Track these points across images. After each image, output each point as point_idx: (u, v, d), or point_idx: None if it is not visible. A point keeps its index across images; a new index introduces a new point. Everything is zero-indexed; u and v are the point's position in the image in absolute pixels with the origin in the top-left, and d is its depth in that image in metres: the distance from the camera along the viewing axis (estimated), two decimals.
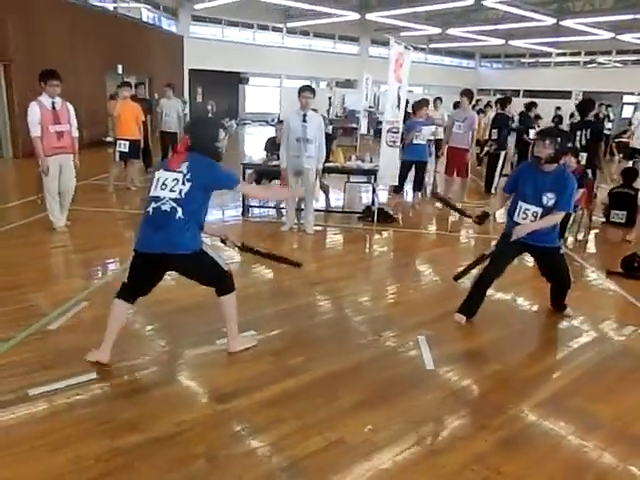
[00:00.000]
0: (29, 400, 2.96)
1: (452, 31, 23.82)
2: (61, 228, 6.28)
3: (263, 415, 2.94)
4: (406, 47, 7.30)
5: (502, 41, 25.25)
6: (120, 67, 15.75)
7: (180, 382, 3.27)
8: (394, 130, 7.24)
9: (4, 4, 11.21)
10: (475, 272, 4.44)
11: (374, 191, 7.39)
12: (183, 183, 3.13)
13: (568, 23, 19.54)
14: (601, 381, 3.48)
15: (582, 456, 2.72)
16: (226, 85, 24.23)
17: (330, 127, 13.47)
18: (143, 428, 2.79)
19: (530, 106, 11.72)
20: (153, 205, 3.17)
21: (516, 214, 4.08)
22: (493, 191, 9.94)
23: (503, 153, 9.88)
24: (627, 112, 26.62)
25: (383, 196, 8.57)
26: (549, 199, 3.93)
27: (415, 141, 8.15)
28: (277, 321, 4.16)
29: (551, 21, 19.37)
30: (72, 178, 6.34)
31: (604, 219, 7.78)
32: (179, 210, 3.12)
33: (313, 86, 22.98)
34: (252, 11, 22.64)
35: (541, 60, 30.60)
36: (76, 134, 6.33)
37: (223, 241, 3.69)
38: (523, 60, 31.42)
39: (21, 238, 6.01)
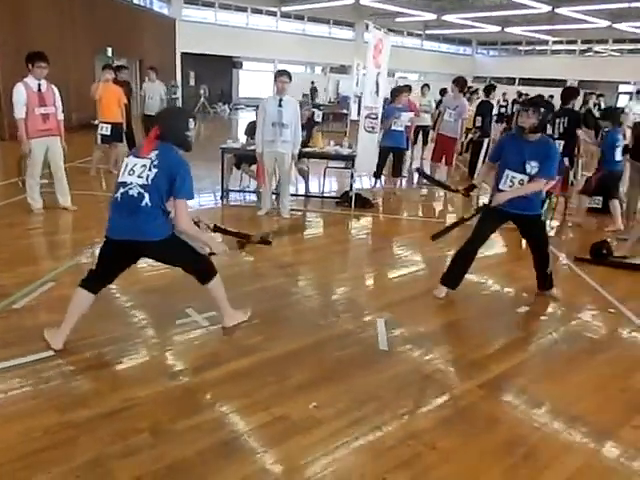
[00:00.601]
0: None
1: (448, 17, 23.76)
2: (39, 210, 6.33)
3: (212, 392, 3.02)
4: (385, 32, 7.27)
5: (498, 28, 25.17)
6: (110, 50, 15.72)
7: (135, 360, 3.33)
8: (372, 116, 7.27)
9: None
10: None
11: (352, 176, 7.43)
12: (150, 169, 3.14)
13: (563, 11, 19.50)
14: (549, 363, 3.57)
15: (517, 433, 2.81)
16: (219, 69, 24.17)
17: (320, 113, 13.47)
18: (94, 404, 2.86)
19: (520, 95, 11.84)
20: (121, 190, 3.20)
21: (502, 182, 4.18)
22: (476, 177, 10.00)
23: (487, 140, 9.93)
24: (622, 101, 26.64)
25: (364, 182, 8.62)
26: (532, 167, 4.03)
27: (393, 127, 8.18)
28: (240, 302, 4.18)
29: (546, 8, 19.31)
30: (61, 158, 6.36)
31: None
32: (146, 196, 3.14)
33: (308, 71, 22.71)
34: None
35: (537, 48, 30.55)
36: (61, 117, 6.35)
37: (196, 224, 3.63)
38: (520, 48, 31.32)
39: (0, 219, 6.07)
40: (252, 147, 6.87)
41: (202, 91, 22.52)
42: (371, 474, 2.46)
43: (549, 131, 7.90)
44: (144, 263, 4.27)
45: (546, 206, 6.69)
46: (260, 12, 24.61)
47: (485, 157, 10.16)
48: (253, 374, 3.24)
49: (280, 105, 6.30)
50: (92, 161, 8.74)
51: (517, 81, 29.37)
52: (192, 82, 23.25)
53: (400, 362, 3.46)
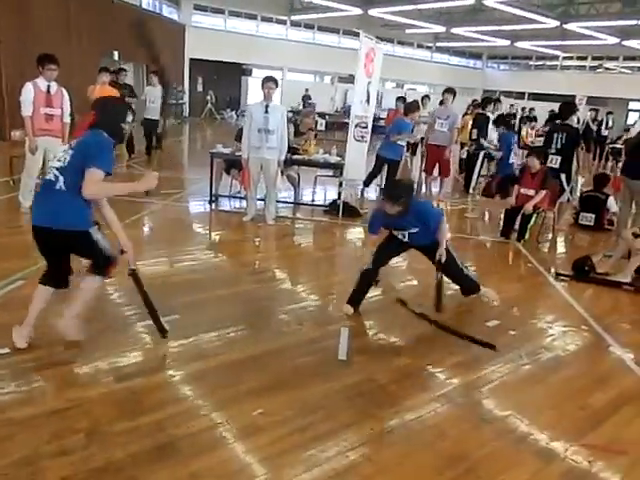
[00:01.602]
0: None
1: (457, 30, 23.77)
2: (26, 209, 6.36)
3: (157, 395, 3.00)
4: (377, 42, 7.27)
5: (508, 42, 25.16)
6: (116, 53, 15.86)
7: (86, 360, 3.29)
8: (362, 125, 7.27)
9: None
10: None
11: (340, 185, 7.42)
12: (68, 152, 3.12)
13: (572, 27, 19.44)
14: (509, 378, 3.50)
15: (462, 448, 2.75)
16: (228, 76, 24.25)
17: (323, 121, 13.51)
18: (38, 402, 2.86)
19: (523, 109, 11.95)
20: (44, 177, 3.22)
21: (394, 232, 4.37)
22: (471, 191, 9.94)
23: (482, 153, 9.86)
24: (632, 119, 26.49)
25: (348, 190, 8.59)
26: (416, 229, 4.20)
27: (399, 142, 8.20)
28: (204, 306, 4.21)
29: (554, 24, 19.26)
30: None
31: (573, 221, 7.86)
32: (60, 179, 3.05)
33: (317, 80, 22.72)
34: (256, 2, 22.67)
35: (548, 63, 30.45)
36: (67, 120, 6.43)
37: (122, 251, 3.45)
38: (530, 62, 31.26)
39: None
40: (240, 152, 6.87)
41: (208, 97, 22.64)
42: None
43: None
44: None
45: (533, 221, 6.66)
46: (270, 20, 24.73)
47: (480, 170, 10.13)
48: (203, 379, 3.22)
49: (266, 111, 6.31)
50: None
51: (527, 96, 29.28)
52: (200, 88, 23.36)
53: (356, 372, 3.41)
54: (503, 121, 8.64)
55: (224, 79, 23.85)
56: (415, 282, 5.32)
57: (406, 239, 4.31)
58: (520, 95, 29.04)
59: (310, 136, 7.59)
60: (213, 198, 7.56)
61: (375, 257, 4.35)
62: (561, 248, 7.02)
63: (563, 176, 7.32)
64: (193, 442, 2.63)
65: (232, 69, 24.07)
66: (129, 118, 3.31)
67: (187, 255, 5.48)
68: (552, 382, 3.51)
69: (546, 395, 3.35)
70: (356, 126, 7.19)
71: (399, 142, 8.14)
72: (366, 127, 7.33)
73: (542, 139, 9.41)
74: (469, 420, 2.99)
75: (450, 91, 9.08)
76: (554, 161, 7.39)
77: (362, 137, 7.31)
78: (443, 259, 4.21)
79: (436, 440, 2.80)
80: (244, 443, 2.65)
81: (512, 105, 19.48)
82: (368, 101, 7.31)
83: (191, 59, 22.38)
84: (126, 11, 16.94)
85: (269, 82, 6.35)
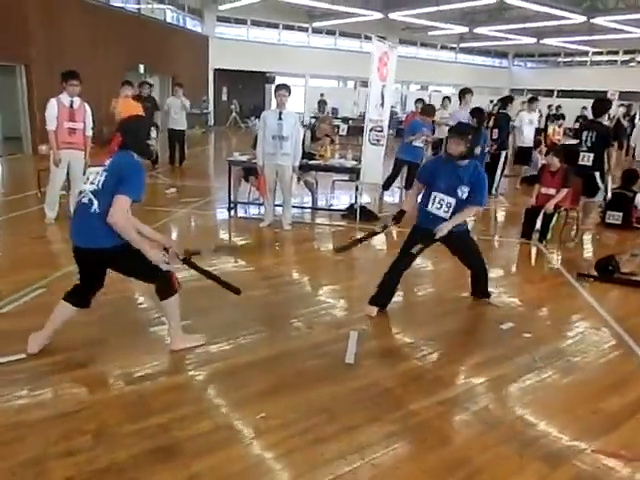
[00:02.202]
0: None
1: (480, 30, 23.54)
2: (50, 220, 6.56)
3: (164, 398, 3.06)
4: (391, 45, 7.28)
5: (534, 40, 24.79)
6: (142, 67, 16.18)
7: (100, 365, 3.40)
8: (378, 129, 7.27)
9: (25, 5, 11.68)
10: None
11: (357, 189, 7.44)
12: (101, 174, 3.22)
13: (599, 21, 19.07)
14: (520, 382, 3.43)
15: (465, 453, 2.72)
16: (252, 84, 24.48)
17: (345, 126, 13.56)
18: (49, 405, 2.95)
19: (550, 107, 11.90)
20: (78, 199, 3.31)
21: (430, 203, 4.20)
22: (494, 192, 9.85)
23: (504, 153, 9.76)
24: None
25: (366, 194, 8.59)
26: (463, 192, 4.08)
27: (414, 143, 8.20)
28: (216, 312, 4.28)
29: (581, 19, 18.92)
30: (81, 173, 6.62)
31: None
32: (95, 202, 3.17)
33: (340, 85, 22.79)
34: (277, 11, 22.85)
35: (577, 59, 29.86)
36: (89, 133, 6.64)
37: (165, 249, 3.54)
38: (559, 59, 30.72)
39: (9, 228, 6.34)
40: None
41: (233, 106, 22.91)
42: None
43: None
44: None
45: (554, 220, 6.56)
46: (292, 28, 24.91)
47: (503, 170, 10.03)
48: (210, 382, 3.28)
49: (280, 118, 6.38)
50: None
51: (555, 93, 28.78)
52: (224, 97, 23.65)
53: (362, 376, 3.41)
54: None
55: (248, 88, 24.08)
56: (431, 289, 5.28)
57: (442, 210, 4.10)
58: (549, 93, 28.55)
59: (326, 142, 7.60)
60: (232, 205, 7.64)
61: (401, 253, 4.30)
62: (585, 248, 6.87)
63: (597, 174, 7.18)
64: (196, 444, 2.68)
65: (256, 78, 24.29)
66: (154, 134, 3.40)
67: (203, 261, 5.53)
68: (565, 386, 3.43)
69: (558, 399, 3.28)
70: (371, 130, 7.20)
71: (415, 143, 8.13)
72: (381, 130, 7.33)
73: (567, 137, 9.37)
74: (474, 425, 2.96)
75: (469, 91, 9.03)
76: (586, 158, 7.24)
77: (378, 141, 7.31)
78: (439, 234, 4.04)
79: (439, 444, 2.78)
80: (245, 445, 2.69)
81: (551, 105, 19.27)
82: (383, 105, 7.30)
83: (215, 69, 22.69)
84: (151, 25, 17.32)
85: (282, 90, 6.42)
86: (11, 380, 3.17)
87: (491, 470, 2.60)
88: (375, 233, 4.55)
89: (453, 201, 4.10)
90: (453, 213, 4.14)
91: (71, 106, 6.33)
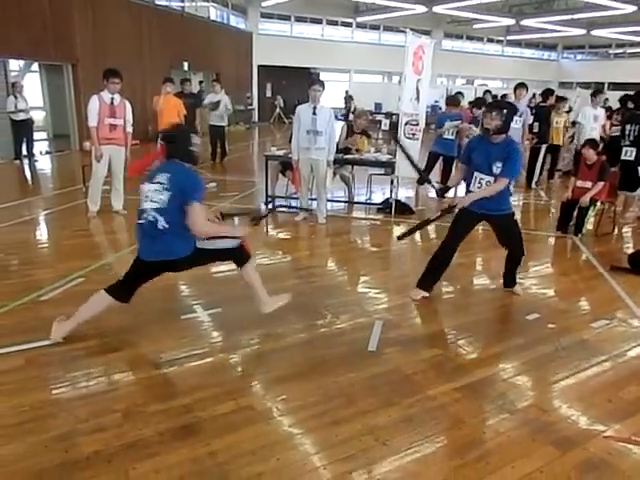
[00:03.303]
0: None
1: (528, 22, 23.06)
2: (92, 214, 6.85)
3: (189, 381, 3.20)
4: (428, 39, 7.27)
5: (583, 31, 24.11)
6: (186, 64, 16.55)
7: (132, 349, 3.57)
8: (413, 122, 7.28)
9: (72, 6, 12.17)
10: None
11: (392, 183, 7.47)
12: (162, 192, 3.29)
13: None
14: (540, 370, 3.45)
15: (477, 436, 2.77)
16: (296, 80, 24.65)
17: (387, 121, 13.57)
18: (82, 386, 3.13)
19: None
20: (142, 218, 3.39)
21: (472, 184, 4.29)
22: (534, 185, 9.70)
23: (544, 147, 9.59)
24: None
25: (403, 189, 8.59)
26: (498, 168, 4.13)
27: (445, 135, 8.19)
28: (248, 301, 4.36)
29: (631, 9, 18.31)
30: (121, 168, 6.94)
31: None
32: (161, 219, 3.29)
33: (385, 81, 22.65)
34: (320, 6, 22.96)
35: (629, 51, 28.83)
36: (130, 129, 6.93)
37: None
38: (610, 51, 29.74)
39: (56, 221, 6.67)
40: None
41: (277, 102, 23.16)
42: (312, 465, 2.53)
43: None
44: None
45: (591, 212, 6.45)
46: (335, 23, 24.99)
47: (543, 164, 9.85)
48: (235, 367, 3.42)
49: (314, 113, 6.47)
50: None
51: (606, 86, 27.85)
52: (268, 93, 23.92)
53: (383, 363, 3.48)
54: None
55: (292, 84, 24.26)
56: (458, 281, 5.29)
57: (485, 184, 4.19)
58: (599, 86, 27.66)
59: (356, 138, 7.61)
60: (269, 199, 7.79)
61: (447, 238, 4.46)
62: (622, 241, 6.71)
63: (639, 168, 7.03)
64: (216, 423, 2.81)
65: (300, 73, 24.44)
66: (196, 140, 3.51)
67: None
68: (584, 375, 3.42)
69: (575, 387, 3.28)
70: (406, 124, 7.22)
71: (446, 136, 8.12)
72: (417, 124, 7.33)
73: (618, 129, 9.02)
74: (489, 410, 3.00)
75: (524, 86, 8.82)
76: (629, 153, 7.11)
77: (413, 134, 7.32)
78: (460, 205, 4.23)
79: (452, 428, 2.83)
80: (262, 426, 2.80)
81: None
82: (418, 99, 7.29)
83: (259, 66, 22.97)
84: (195, 23, 17.69)
85: (315, 84, 6.51)
86: (48, 362, 3.38)
87: (501, 453, 2.64)
88: (430, 220, 4.67)
89: (492, 179, 4.18)
90: (489, 200, 4.21)
91: (112, 103, 6.60)
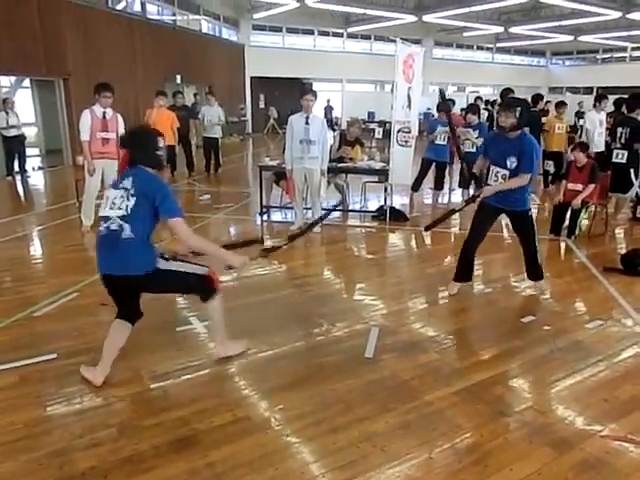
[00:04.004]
0: None
1: (516, 29, 23.25)
2: (86, 228, 6.84)
3: (185, 393, 3.19)
4: (419, 47, 7.31)
5: (571, 37, 24.33)
6: (179, 77, 16.60)
7: (127, 363, 3.52)
8: (405, 130, 7.31)
9: (62, 21, 12.20)
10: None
11: (386, 190, 7.49)
12: (128, 199, 3.06)
13: (636, 16, 18.56)
14: (537, 372, 3.46)
15: (475, 440, 2.76)
16: (289, 91, 24.73)
17: (380, 130, 13.63)
18: (76, 401, 3.11)
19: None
20: (104, 225, 3.12)
21: (490, 178, 4.42)
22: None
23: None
24: None
25: (398, 196, 8.60)
26: (512, 162, 4.24)
27: (437, 141, 8.22)
28: (244, 311, 4.39)
29: (617, 14, 18.48)
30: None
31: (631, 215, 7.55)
32: (126, 228, 3.04)
33: (378, 90, 22.65)
34: (312, 17, 23.09)
35: (616, 55, 29.07)
36: None
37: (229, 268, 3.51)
38: (597, 56, 29.99)
39: (49, 236, 6.66)
40: None
41: (270, 113, 23.23)
42: (310, 474, 2.51)
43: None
44: None
45: (582, 216, 6.47)
46: (327, 34, 25.12)
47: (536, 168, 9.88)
48: (231, 378, 3.40)
49: (307, 123, 6.50)
50: None
51: (595, 90, 28.06)
52: (262, 105, 24.00)
53: (380, 369, 3.47)
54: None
55: (285, 94, 24.34)
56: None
57: (498, 182, 4.30)
58: (588, 90, 27.90)
59: (346, 149, 7.62)
60: (263, 209, 7.79)
61: (472, 230, 4.61)
62: (614, 243, 6.73)
63: (632, 171, 7.07)
64: (214, 435, 2.79)
65: (292, 84, 24.52)
66: (161, 143, 3.26)
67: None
68: (580, 375, 3.42)
69: (572, 387, 3.28)
70: (399, 131, 7.24)
71: (438, 142, 8.14)
72: (409, 132, 7.36)
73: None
74: (486, 414, 2.99)
75: (511, 91, 8.89)
76: (620, 156, 7.16)
77: (406, 142, 7.34)
78: (482, 195, 4.36)
79: (449, 432, 2.82)
80: (260, 436, 2.78)
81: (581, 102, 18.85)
82: (410, 106, 7.33)
83: (252, 77, 23.05)
84: (187, 36, 17.77)
85: (307, 94, 6.55)
86: (42, 378, 3.35)
87: (499, 455, 2.64)
88: (454, 211, 4.90)
89: (507, 173, 4.28)
90: (506, 195, 4.35)
91: (104, 117, 6.60)
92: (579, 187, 6.41)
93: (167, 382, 3.31)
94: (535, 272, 4.74)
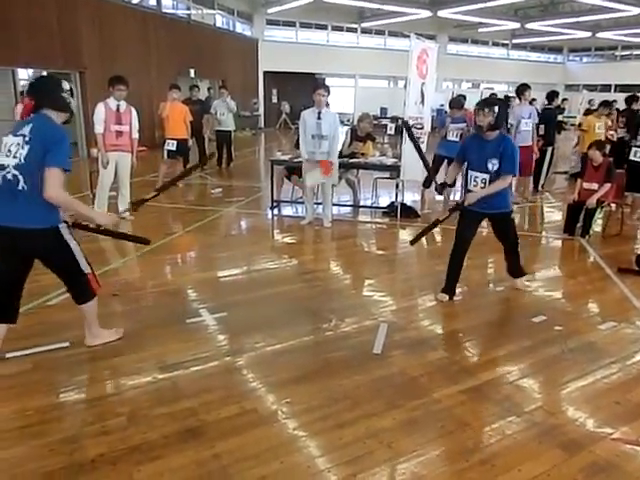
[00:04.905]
0: (3, 361, 3.38)
1: (533, 25, 23.03)
2: None
3: (194, 385, 3.20)
4: (433, 42, 7.27)
5: (589, 33, 24.08)
6: (192, 71, 16.62)
7: (137, 353, 3.57)
8: (418, 126, 7.28)
9: (78, 14, 12.27)
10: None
11: (397, 187, 7.47)
12: (23, 147, 2.94)
13: None
14: (547, 372, 3.43)
15: (482, 439, 2.75)
16: (302, 86, 24.70)
17: (392, 125, 13.56)
18: (87, 389, 3.16)
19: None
20: (1, 173, 2.98)
21: (469, 183, 4.36)
22: (540, 188, 9.66)
23: (550, 149, 9.53)
24: None
25: (409, 192, 8.57)
26: (493, 165, 4.19)
27: (449, 137, 8.17)
28: (253, 304, 4.41)
29: (637, 10, 18.25)
30: (127, 174, 6.99)
31: None
32: (21, 179, 2.92)
33: (391, 85, 22.55)
34: (325, 12, 23.03)
35: (635, 52, 28.73)
36: (136, 135, 6.98)
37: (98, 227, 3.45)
38: (616, 53, 29.65)
39: None
40: (299, 159, 7.08)
41: (282, 107, 23.22)
42: (316, 468, 2.52)
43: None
44: (167, 265, 4.58)
45: (598, 214, 6.42)
46: (341, 29, 25.06)
47: (549, 166, 9.81)
48: (239, 371, 3.40)
49: (319, 118, 6.49)
50: (159, 175, 9.33)
51: (613, 88, 27.78)
52: (274, 99, 24.00)
53: (388, 365, 3.47)
54: None
55: (298, 89, 24.31)
56: (466, 283, 5.26)
57: (479, 187, 4.23)
58: (605, 87, 27.61)
59: (357, 145, 7.60)
60: (274, 204, 7.80)
61: (456, 240, 4.52)
62: (630, 243, 6.66)
63: None
64: (221, 426, 2.80)
65: (305, 79, 24.49)
66: (67, 86, 3.19)
67: (243, 257, 5.77)
68: (592, 377, 3.39)
69: (583, 389, 3.25)
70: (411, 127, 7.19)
71: (449, 138, 8.07)
72: (422, 128, 7.33)
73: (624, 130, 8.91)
74: (495, 412, 2.98)
75: (528, 87, 8.72)
76: (639, 154, 7.08)
77: (418, 138, 7.28)
78: (467, 202, 4.26)
79: (457, 431, 2.81)
80: (267, 429, 2.80)
81: (591, 100, 18.61)
82: (423, 102, 7.30)
83: (265, 72, 23.04)
84: (201, 30, 17.78)
85: (320, 89, 6.54)
86: (54, 366, 3.40)
87: (507, 455, 2.62)
88: (439, 221, 4.66)
89: (487, 177, 4.23)
90: (488, 200, 4.27)
91: (118, 110, 6.64)
92: (594, 186, 6.34)
93: (176, 373, 3.33)
94: (516, 269, 4.74)
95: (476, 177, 4.27)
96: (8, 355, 3.45)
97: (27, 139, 2.96)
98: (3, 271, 3.19)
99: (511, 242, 4.60)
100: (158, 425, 2.81)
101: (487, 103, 4.20)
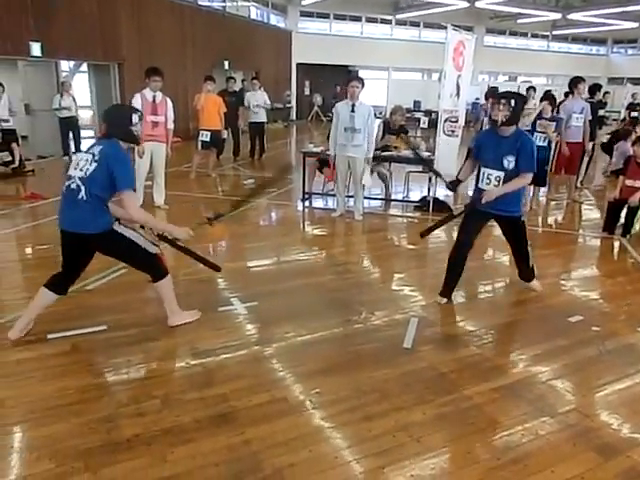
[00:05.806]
0: (45, 342, 3.52)
1: (575, 16, 22.43)
2: None
3: (225, 371, 3.26)
4: (469, 34, 7.17)
5: (635, 24, 23.31)
6: (227, 63, 16.72)
7: (171, 338, 3.65)
8: (452, 119, 7.20)
9: (118, 8, 12.47)
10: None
11: (430, 180, 7.41)
12: (90, 163, 3.30)
13: None
14: (583, 374, 3.37)
15: (514, 438, 2.70)
16: (335, 78, 24.66)
17: (425, 119, 13.45)
18: (124, 371, 3.23)
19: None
20: (66, 183, 3.38)
21: (480, 181, 4.18)
22: (579, 184, 9.45)
23: (591, 144, 9.30)
24: None
25: (442, 187, 8.46)
26: (509, 162, 4.02)
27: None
28: (284, 295, 4.45)
29: None
30: (162, 164, 7.11)
31: None
32: (82, 189, 3.28)
33: (425, 78, 22.41)
34: (360, 4, 22.88)
35: None
36: (171, 126, 7.10)
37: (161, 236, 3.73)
38: None
39: None
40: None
41: (314, 100, 23.21)
42: (343, 459, 2.53)
43: None
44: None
45: (639, 215, 6.25)
46: (375, 21, 24.85)
47: (589, 162, 9.59)
48: (269, 360, 3.44)
49: (353, 110, 6.47)
50: (192, 165, 9.45)
51: None
52: (307, 91, 23.98)
53: (418, 360, 3.46)
54: None
55: (331, 82, 24.27)
56: (501, 280, 5.20)
57: (492, 185, 4.06)
58: None
59: (390, 138, 7.55)
60: (306, 196, 7.82)
61: (458, 240, 4.34)
62: None
63: None
64: (251, 413, 2.85)
65: (338, 71, 24.41)
66: (136, 119, 3.46)
67: (274, 248, 5.82)
68: (630, 380, 3.31)
69: (621, 392, 3.18)
70: (445, 120, 7.14)
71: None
72: (456, 121, 7.24)
73: None
74: (527, 412, 2.93)
75: (582, 80, 8.36)
76: None
77: (452, 131, 7.24)
78: (484, 199, 4.02)
79: (488, 428, 2.79)
80: (296, 418, 2.83)
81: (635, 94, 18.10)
82: (458, 95, 7.21)
83: (298, 64, 23.04)
84: (236, 22, 17.87)
85: (354, 81, 6.53)
86: (91, 348, 3.51)
87: (540, 456, 2.59)
88: (453, 216, 4.58)
89: (502, 174, 4.05)
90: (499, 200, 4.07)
91: (154, 100, 6.75)
92: (638, 184, 6.15)
93: (208, 359, 3.39)
94: (527, 273, 4.57)
95: (490, 175, 4.08)
96: (49, 336, 3.58)
97: (96, 158, 3.31)
98: (69, 260, 3.53)
99: (521, 249, 4.41)
100: (190, 409, 2.87)
101: (503, 96, 3.98)
